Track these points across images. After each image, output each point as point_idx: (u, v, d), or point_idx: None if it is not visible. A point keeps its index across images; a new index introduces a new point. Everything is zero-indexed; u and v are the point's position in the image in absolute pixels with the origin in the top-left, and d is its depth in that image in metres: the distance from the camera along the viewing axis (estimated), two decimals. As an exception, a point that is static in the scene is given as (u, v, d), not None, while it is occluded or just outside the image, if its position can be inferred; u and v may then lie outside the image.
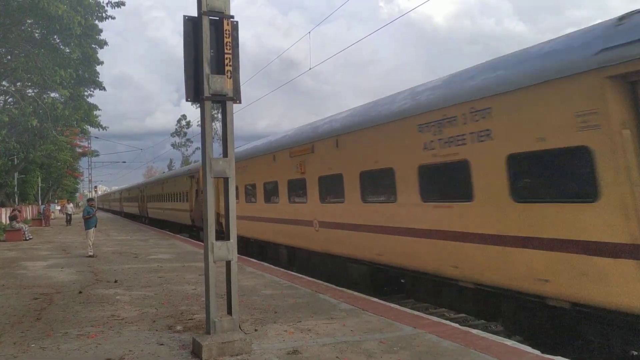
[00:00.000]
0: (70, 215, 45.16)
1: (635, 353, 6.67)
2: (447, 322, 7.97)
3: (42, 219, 42.44)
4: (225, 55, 6.66)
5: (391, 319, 8.01)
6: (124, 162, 79.20)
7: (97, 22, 27.66)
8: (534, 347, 6.72)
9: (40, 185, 55.03)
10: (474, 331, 7.26)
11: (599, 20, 6.96)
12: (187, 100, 6.71)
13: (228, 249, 6.56)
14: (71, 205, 50.88)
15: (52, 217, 52.40)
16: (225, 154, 6.78)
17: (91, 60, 29.95)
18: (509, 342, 6.72)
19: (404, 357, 6.15)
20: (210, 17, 6.64)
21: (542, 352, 6.41)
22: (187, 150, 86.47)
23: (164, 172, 73.38)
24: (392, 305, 9.26)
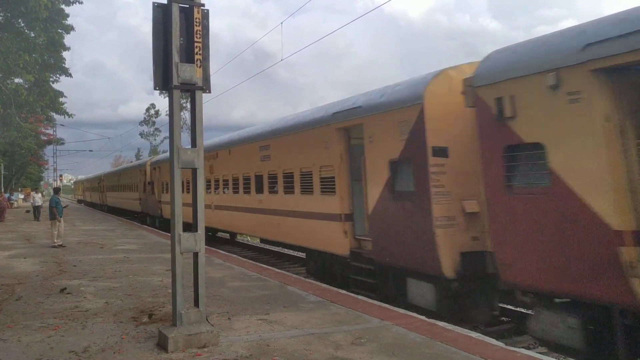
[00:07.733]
0: (39, 207, 33.82)
1: None
2: (414, 314, 8.06)
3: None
4: (195, 44, 6.55)
5: (359, 311, 8.06)
6: (91, 150, 76.83)
7: (63, 6, 26.96)
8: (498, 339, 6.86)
9: (3, 173, 53.43)
10: (440, 324, 7.36)
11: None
12: (155, 89, 6.60)
13: (196, 241, 6.48)
14: (39, 195, 36.85)
15: (15, 206, 49.58)
16: (193, 144, 6.68)
17: (57, 46, 29.16)
18: (474, 335, 6.85)
19: (372, 348, 6.20)
20: (180, 5, 6.51)
21: (506, 344, 6.56)
22: (155, 139, 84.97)
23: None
24: (360, 297, 9.32)
